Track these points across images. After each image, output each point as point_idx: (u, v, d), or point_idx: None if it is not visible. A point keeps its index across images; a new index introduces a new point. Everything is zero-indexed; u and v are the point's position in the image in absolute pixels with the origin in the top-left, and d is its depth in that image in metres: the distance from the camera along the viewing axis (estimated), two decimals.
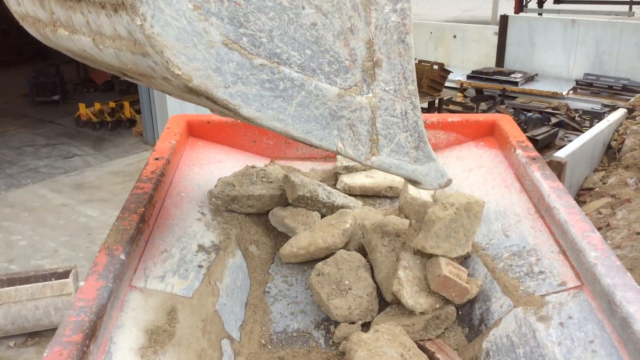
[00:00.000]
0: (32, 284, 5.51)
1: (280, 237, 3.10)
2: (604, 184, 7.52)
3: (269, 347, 2.44)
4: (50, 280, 5.58)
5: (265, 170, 3.20)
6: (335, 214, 3.01)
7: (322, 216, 3.11)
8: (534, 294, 2.34)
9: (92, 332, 1.84)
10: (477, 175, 3.39)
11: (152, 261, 2.45)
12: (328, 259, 2.72)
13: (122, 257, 2.22)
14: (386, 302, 2.59)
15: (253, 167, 3.24)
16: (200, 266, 2.58)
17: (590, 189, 7.30)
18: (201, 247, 2.70)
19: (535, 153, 3.16)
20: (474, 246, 2.78)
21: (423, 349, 2.32)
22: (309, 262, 2.86)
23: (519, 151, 3.19)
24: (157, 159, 3.09)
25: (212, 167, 3.47)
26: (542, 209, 2.75)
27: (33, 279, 5.64)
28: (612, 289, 2.03)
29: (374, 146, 2.15)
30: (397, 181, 3.45)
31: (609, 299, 2.02)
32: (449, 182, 2.44)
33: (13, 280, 5.57)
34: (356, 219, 2.97)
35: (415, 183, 2.36)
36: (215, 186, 3.05)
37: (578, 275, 2.32)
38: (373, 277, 2.67)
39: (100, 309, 1.94)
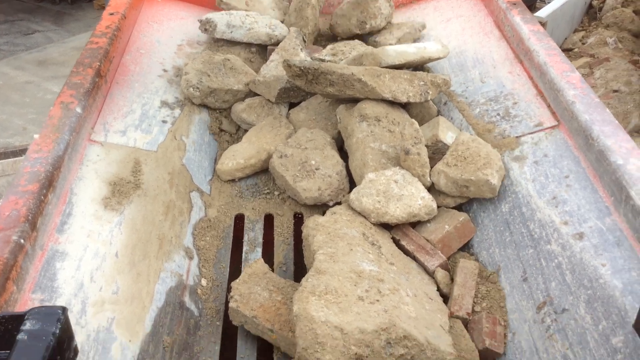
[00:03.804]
0: (3, 160, 5.41)
1: None
2: (583, 44, 7.38)
3: (240, 199, 2.40)
4: (21, 156, 5.47)
5: (229, 60, 2.86)
6: (267, 120, 2.68)
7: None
8: (509, 135, 2.29)
9: (50, 183, 1.75)
10: (455, 24, 3.23)
11: (111, 116, 2.32)
12: (289, 140, 2.49)
13: (78, 110, 2.08)
14: (354, 186, 2.30)
15: (212, 55, 2.88)
16: (164, 121, 2.46)
17: (569, 50, 7.17)
18: (164, 103, 2.57)
19: None
20: (450, 95, 2.69)
21: None
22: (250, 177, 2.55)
23: None
24: (111, 13, 2.86)
25: (173, 23, 3.25)
26: (522, 53, 2.63)
27: (3, 156, 5.53)
28: (590, 125, 1.97)
29: None
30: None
31: (586, 134, 1.97)
32: None
33: None
34: (293, 122, 2.69)
35: None
36: (186, 73, 2.72)
37: (555, 115, 2.26)
38: (344, 159, 2.44)
39: (57, 160, 1.83)
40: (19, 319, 0.95)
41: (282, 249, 2.22)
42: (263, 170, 2.53)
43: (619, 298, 1.57)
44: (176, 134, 2.43)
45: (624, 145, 1.85)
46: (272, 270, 2.13)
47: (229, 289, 2.01)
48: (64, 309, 0.97)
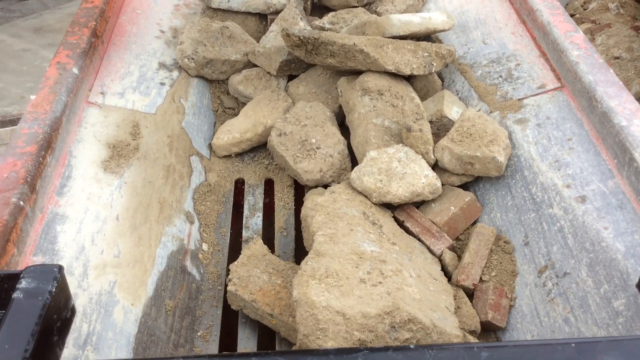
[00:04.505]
0: (1, 129, 5.39)
1: None
2: (585, 9, 7.28)
3: (240, 163, 2.38)
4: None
5: (227, 27, 2.76)
6: (264, 93, 2.56)
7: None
8: (512, 98, 2.26)
9: (48, 144, 1.73)
10: None
11: (109, 78, 2.29)
12: (287, 115, 2.37)
13: (75, 71, 2.05)
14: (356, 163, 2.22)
15: (210, 22, 2.79)
16: (162, 84, 2.43)
17: (571, 16, 7.07)
18: (162, 65, 2.53)
19: None
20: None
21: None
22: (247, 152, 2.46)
23: None
24: None
25: None
26: (524, 13, 2.59)
27: (1, 124, 5.51)
28: (594, 86, 1.94)
29: None
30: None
31: (590, 95, 1.94)
32: None
33: None
34: (292, 96, 2.57)
35: None
36: (181, 43, 2.62)
37: (558, 77, 2.23)
38: (345, 135, 2.34)
39: (55, 121, 1.81)
40: (14, 277, 0.93)
41: (283, 214, 2.21)
42: (260, 146, 2.44)
43: (621, 261, 1.57)
44: (175, 97, 2.40)
45: (628, 106, 1.83)
46: (273, 236, 2.13)
47: (229, 256, 2.00)
48: (60, 267, 0.95)
